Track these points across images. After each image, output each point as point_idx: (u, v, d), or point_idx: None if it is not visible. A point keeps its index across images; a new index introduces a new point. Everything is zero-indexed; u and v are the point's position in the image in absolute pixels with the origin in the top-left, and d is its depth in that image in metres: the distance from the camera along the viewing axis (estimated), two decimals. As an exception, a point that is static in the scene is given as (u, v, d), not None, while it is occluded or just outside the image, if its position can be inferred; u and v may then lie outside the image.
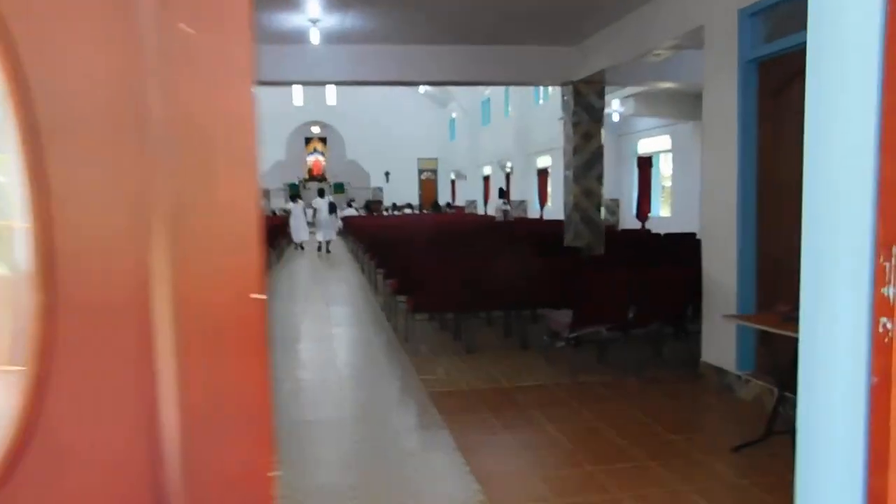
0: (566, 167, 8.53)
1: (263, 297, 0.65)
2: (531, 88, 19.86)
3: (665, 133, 14.18)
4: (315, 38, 6.94)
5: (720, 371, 5.12)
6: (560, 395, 4.98)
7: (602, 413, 4.58)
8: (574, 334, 5.42)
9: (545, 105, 19.30)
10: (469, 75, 8.30)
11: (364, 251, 12.28)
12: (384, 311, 8.23)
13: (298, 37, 7.11)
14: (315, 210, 18.41)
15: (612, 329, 5.51)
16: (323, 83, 8.17)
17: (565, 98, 8.51)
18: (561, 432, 4.25)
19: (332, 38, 7.22)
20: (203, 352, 0.62)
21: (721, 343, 5.11)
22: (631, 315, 5.33)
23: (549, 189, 18.27)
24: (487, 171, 24.59)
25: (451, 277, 6.08)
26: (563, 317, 5.55)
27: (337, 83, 8.35)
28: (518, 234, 10.24)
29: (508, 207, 18.89)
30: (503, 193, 19.39)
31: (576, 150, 8.29)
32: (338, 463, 3.87)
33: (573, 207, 8.39)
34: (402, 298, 7.23)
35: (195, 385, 0.61)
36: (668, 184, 14.89)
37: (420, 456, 3.98)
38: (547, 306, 6.55)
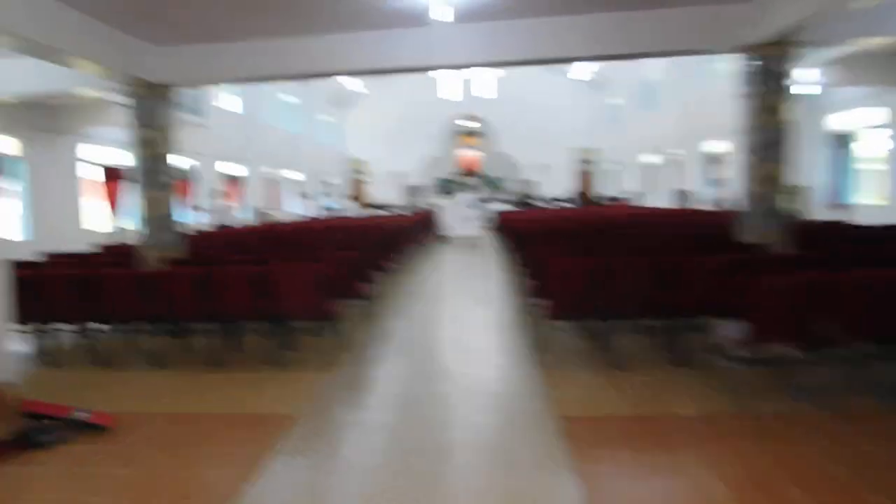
0: (742, 150, 7.19)
1: None
2: (700, 67, 17.87)
3: (875, 105, 11.78)
4: (446, 15, 6.37)
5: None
6: (724, 430, 3.95)
7: (779, 458, 3.52)
8: (747, 352, 4.32)
9: (715, 84, 17.22)
10: (622, 47, 7.16)
11: (509, 248, 11.62)
12: (524, 314, 7.50)
13: (419, 18, 6.59)
14: (464, 204, 18.27)
15: (800, 347, 4.33)
16: (453, 67, 7.47)
17: (741, 67, 7.15)
18: (722, 480, 3.29)
19: (462, 15, 6.61)
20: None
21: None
22: (826, 330, 4.12)
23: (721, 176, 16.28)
24: (651, 159, 22.71)
25: (597, 279, 5.21)
26: (734, 330, 4.47)
27: (468, 66, 7.63)
28: (680, 229, 8.95)
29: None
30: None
31: (754, 130, 6.93)
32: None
33: (750, 196, 7.04)
34: (540, 302, 6.49)
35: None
36: (880, 166, 12.36)
37: None
38: (713, 315, 5.45)
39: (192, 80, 7.26)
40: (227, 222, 14.84)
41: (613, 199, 26.05)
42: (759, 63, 6.81)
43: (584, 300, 5.32)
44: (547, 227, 10.26)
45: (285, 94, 24.37)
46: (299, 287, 5.60)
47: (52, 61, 6.08)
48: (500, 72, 29.02)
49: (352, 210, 27.38)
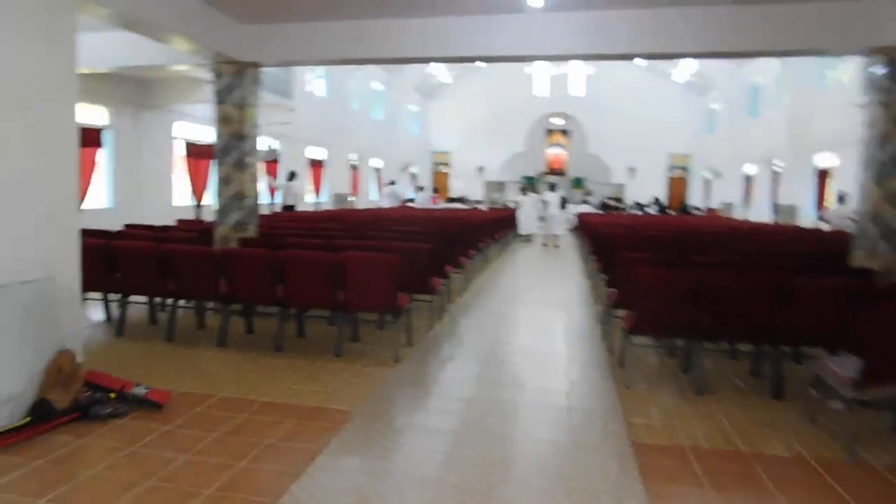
0: (859, 164, 6.41)
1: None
2: (813, 71, 16.55)
3: None
4: (538, 1, 5.97)
5: None
6: (825, 479, 3.42)
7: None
8: (859, 392, 3.75)
9: (830, 90, 15.90)
10: (737, 43, 6.42)
11: (590, 252, 11.09)
12: (601, 324, 7.05)
13: (515, 4, 6.21)
14: (545, 203, 17.78)
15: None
16: (550, 57, 7.04)
17: (865, 72, 6.37)
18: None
19: (560, 3, 6.19)
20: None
21: None
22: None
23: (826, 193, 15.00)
24: (750, 170, 21.34)
25: (684, 294, 4.72)
26: (845, 365, 3.90)
27: (566, 57, 7.20)
28: (781, 246, 8.17)
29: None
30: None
31: (876, 142, 6.14)
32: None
33: (867, 215, 6.27)
34: (619, 313, 6.03)
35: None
36: None
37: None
38: (819, 346, 4.85)
39: (277, 60, 7.17)
40: (301, 205, 14.96)
41: (697, 207, 24.74)
42: (889, 68, 6.02)
43: (671, 316, 4.83)
44: (631, 233, 9.68)
45: (372, 80, 24.54)
46: (369, 277, 5.40)
47: (144, 35, 6.14)
48: (590, 69, 28.15)
49: (430, 201, 27.34)
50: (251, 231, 7.20)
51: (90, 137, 10.13)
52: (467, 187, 29.62)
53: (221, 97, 6.94)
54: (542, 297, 9.13)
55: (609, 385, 4.95)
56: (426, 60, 7.45)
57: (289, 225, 9.43)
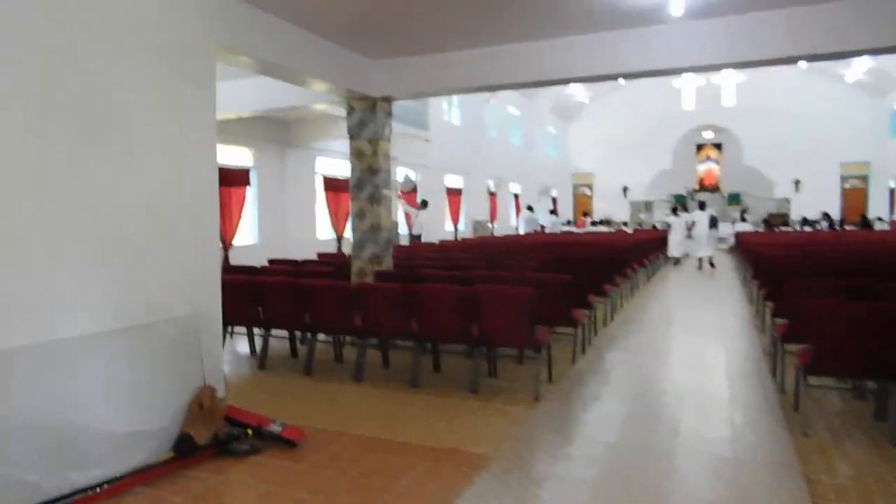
0: None
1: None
2: None
3: None
4: (677, 8, 5.41)
5: None
6: None
7: None
8: None
9: None
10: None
11: (752, 276, 9.99)
12: (768, 358, 6.19)
13: (651, 16, 5.69)
14: (693, 223, 16.41)
15: None
16: (679, 71, 6.35)
17: None
18: None
19: (700, 11, 5.57)
20: None
21: None
22: None
23: None
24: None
25: (873, 328, 3.93)
26: None
27: (697, 69, 6.51)
28: None
29: None
30: None
31: None
32: None
33: None
34: (792, 348, 5.22)
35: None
36: None
37: None
38: None
39: (410, 92, 7.19)
40: (428, 236, 14.86)
41: (880, 219, 21.79)
42: None
43: (858, 352, 4.05)
44: (799, 255, 8.57)
45: (507, 105, 24.54)
46: (505, 311, 5.12)
47: (280, 79, 6.42)
48: (739, 77, 26.11)
49: (577, 225, 26.66)
50: (386, 263, 7.22)
51: (238, 177, 10.89)
52: (611, 209, 28.48)
53: (354, 133, 7.08)
54: (697, 326, 8.29)
55: (781, 432, 4.24)
56: (565, 82, 7.07)
57: (425, 256, 9.43)
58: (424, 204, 14.20)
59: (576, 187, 31.18)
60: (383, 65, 6.95)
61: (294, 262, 8.55)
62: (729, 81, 26.75)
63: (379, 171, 7.03)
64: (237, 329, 7.39)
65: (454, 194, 19.62)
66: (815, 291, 4.92)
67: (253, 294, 6.15)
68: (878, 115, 24.70)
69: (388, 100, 7.13)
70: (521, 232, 20.56)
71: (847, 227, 21.20)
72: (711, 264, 16.03)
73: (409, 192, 15.87)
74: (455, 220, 19.49)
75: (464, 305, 5.21)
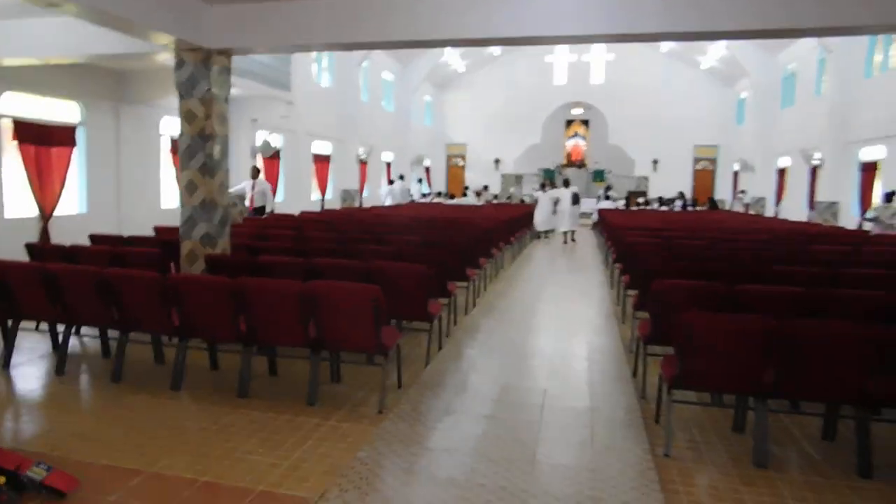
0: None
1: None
2: (855, 56, 15.25)
3: None
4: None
5: None
6: None
7: None
8: None
9: (879, 78, 14.56)
10: (783, 20, 5.16)
11: (614, 258, 10.00)
12: (630, 354, 5.99)
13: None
14: (558, 199, 16.79)
15: None
16: (552, 40, 5.82)
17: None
18: None
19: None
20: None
21: None
22: None
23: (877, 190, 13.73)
24: (784, 162, 19.99)
25: (750, 347, 3.65)
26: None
27: (571, 40, 6.06)
28: (851, 264, 6.95)
29: None
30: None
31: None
32: None
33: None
34: (655, 351, 4.97)
35: None
36: None
37: None
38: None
39: (254, 45, 6.10)
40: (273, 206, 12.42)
41: (732, 203, 23.43)
42: None
43: (729, 370, 3.78)
44: (663, 242, 8.58)
45: (382, 70, 23.51)
46: (346, 311, 4.41)
47: (92, 21, 5.19)
48: (609, 56, 26.84)
49: (443, 196, 26.36)
50: (222, 246, 6.22)
51: (60, 135, 9.27)
52: (483, 180, 28.38)
53: (184, 90, 5.96)
54: (561, 319, 8.05)
55: (642, 449, 3.90)
56: (436, 44, 6.33)
57: (275, 233, 8.44)
58: (257, 172, 11.89)
59: (449, 158, 30.86)
60: (221, 11, 5.85)
61: (119, 240, 7.28)
62: (599, 59, 27.39)
63: (213, 136, 5.97)
64: (29, 325, 6.10)
65: (322, 161, 18.45)
66: (681, 294, 4.65)
67: (48, 284, 4.97)
68: (727, 102, 26.41)
69: (226, 53, 6.05)
70: (388, 204, 19.81)
71: (697, 208, 22.55)
72: (573, 239, 16.69)
73: (271, 158, 14.56)
74: (322, 189, 18.36)
75: (301, 305, 4.44)
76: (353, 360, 5.26)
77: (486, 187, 23.58)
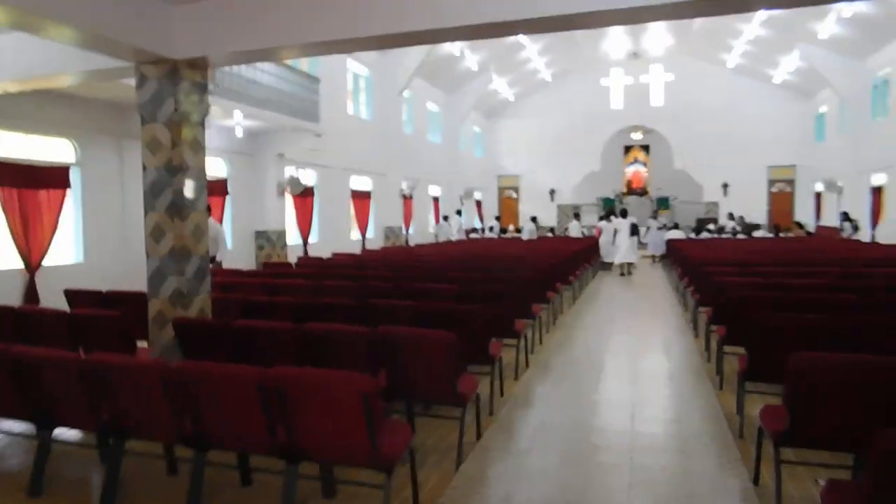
0: None
1: None
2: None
3: None
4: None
5: None
6: None
7: None
8: None
9: None
10: None
11: (697, 300, 8.25)
12: (740, 440, 4.31)
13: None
14: (616, 231, 15.87)
15: None
16: (591, 19, 4.21)
17: None
18: None
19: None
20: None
21: None
22: None
23: None
24: (879, 179, 17.65)
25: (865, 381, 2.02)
26: None
27: (612, 18, 4.46)
28: None
29: None
30: None
31: None
32: None
33: None
34: (789, 456, 3.33)
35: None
36: None
37: None
38: None
39: (227, 51, 4.80)
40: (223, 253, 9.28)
41: (799, 225, 20.97)
42: None
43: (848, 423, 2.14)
44: (762, 277, 6.86)
45: (426, 101, 22.49)
46: (331, 412, 3.00)
47: (26, 30, 4.09)
48: (668, 75, 25.08)
49: (495, 231, 24.92)
50: (198, 305, 4.91)
51: (49, 177, 8.37)
52: (538, 212, 26.66)
53: (147, 112, 4.76)
54: (638, 372, 6.40)
55: None
56: (436, 36, 4.79)
57: (284, 283, 7.11)
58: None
59: (501, 190, 29.43)
60: (191, 13, 4.68)
61: (96, 297, 6.16)
62: (657, 80, 25.69)
63: (183, 168, 4.73)
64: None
65: (362, 198, 17.34)
66: (832, 374, 3.01)
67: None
68: (804, 118, 24.15)
69: (197, 64, 4.84)
70: (442, 241, 18.55)
71: (780, 235, 20.20)
72: (629, 272, 15.86)
73: (302, 195, 13.49)
74: (363, 228, 17.20)
75: (264, 398, 3.05)
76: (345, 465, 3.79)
77: (533, 219, 21.41)
